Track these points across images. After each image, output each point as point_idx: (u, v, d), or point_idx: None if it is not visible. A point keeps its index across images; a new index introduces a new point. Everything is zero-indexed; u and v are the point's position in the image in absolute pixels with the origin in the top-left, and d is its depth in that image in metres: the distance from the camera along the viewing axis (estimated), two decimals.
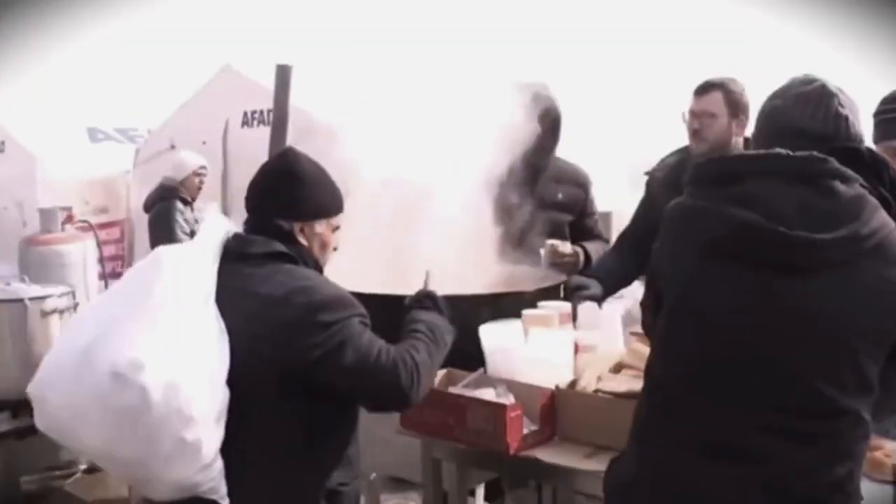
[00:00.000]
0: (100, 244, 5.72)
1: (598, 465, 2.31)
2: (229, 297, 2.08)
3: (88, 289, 5.08)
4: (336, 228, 2.36)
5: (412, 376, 2.15)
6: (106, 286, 5.92)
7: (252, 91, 7.41)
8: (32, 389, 2.06)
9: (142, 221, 7.82)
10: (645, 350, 2.58)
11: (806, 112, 1.87)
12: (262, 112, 7.36)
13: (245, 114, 7.49)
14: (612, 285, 3.26)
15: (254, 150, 7.05)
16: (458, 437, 2.50)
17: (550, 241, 3.39)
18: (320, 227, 2.31)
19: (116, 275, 8.14)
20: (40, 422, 2.06)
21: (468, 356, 2.66)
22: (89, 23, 9.80)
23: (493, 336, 2.68)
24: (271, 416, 2.11)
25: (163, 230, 6.12)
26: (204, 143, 7.42)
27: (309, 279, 2.20)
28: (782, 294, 1.71)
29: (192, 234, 6.18)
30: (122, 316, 1.97)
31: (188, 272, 2.07)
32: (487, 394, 2.51)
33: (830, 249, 1.68)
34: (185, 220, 6.20)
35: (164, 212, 6.19)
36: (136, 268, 2.16)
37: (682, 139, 3.35)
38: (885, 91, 2.73)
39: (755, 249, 1.71)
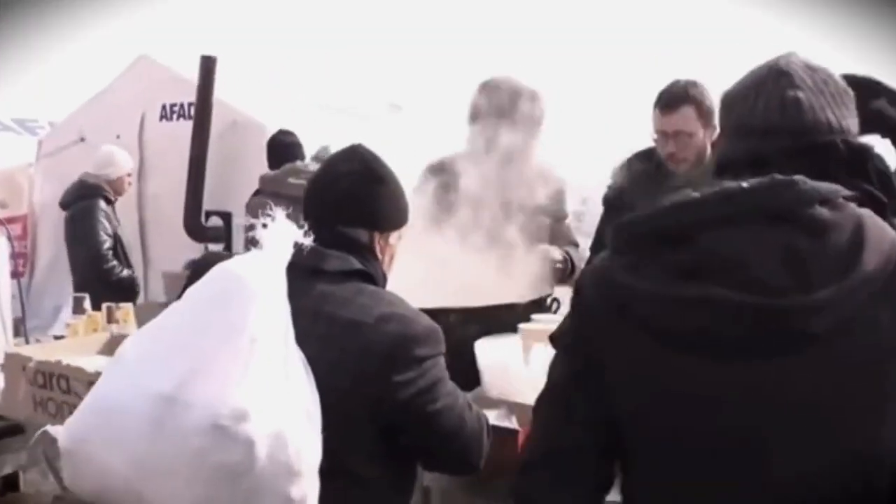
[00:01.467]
0: (12, 240, 5.27)
1: (614, 495, 2.13)
2: (300, 320, 1.75)
3: (0, 291, 4.66)
4: (400, 238, 2.11)
5: (488, 439, 1.98)
6: (20, 287, 5.47)
7: (171, 83, 7.05)
8: (71, 443, 1.69)
9: (45, 217, 7.35)
10: None
11: (752, 103, 1.45)
12: (182, 105, 6.99)
13: (164, 106, 7.09)
14: None
15: (173, 145, 6.72)
16: None
17: (543, 247, 3.17)
18: (394, 237, 2.06)
19: (18, 274, 7.60)
20: (79, 483, 1.71)
21: (456, 372, 2.44)
22: None
23: (490, 352, 2.47)
24: (348, 460, 1.83)
25: (85, 230, 5.71)
26: (118, 136, 6.99)
27: (395, 304, 1.93)
28: (782, 382, 1.28)
29: (114, 235, 5.77)
30: (212, 355, 1.63)
31: (277, 298, 1.73)
32: (489, 416, 2.29)
33: (833, 309, 1.25)
34: (109, 221, 5.78)
35: (87, 211, 5.75)
36: (208, 292, 1.75)
37: None
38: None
39: (735, 334, 1.28)
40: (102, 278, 5.53)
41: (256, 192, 5.39)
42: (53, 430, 1.78)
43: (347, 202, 1.99)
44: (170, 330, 1.75)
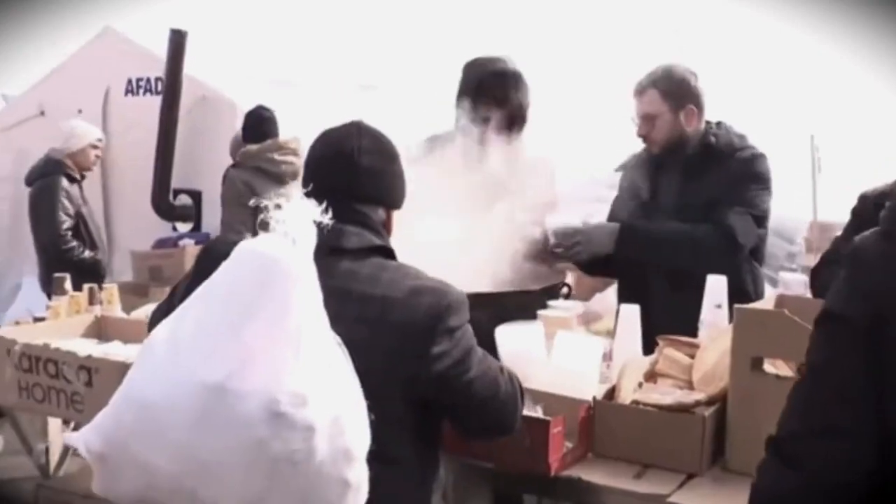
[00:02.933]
0: None
1: (652, 486, 2.11)
2: (330, 301, 1.66)
3: None
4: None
5: (522, 401, 1.94)
6: None
7: (137, 56, 6.84)
8: (105, 446, 1.57)
9: (2, 194, 7.10)
10: (680, 357, 2.40)
11: None
12: (148, 80, 6.79)
13: (129, 81, 6.88)
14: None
15: (139, 121, 6.53)
16: (480, 453, 2.23)
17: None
18: (397, 215, 2.02)
19: None
20: (115, 488, 1.59)
21: None
22: None
23: (512, 339, 2.41)
24: (383, 440, 1.74)
25: (45, 209, 5.46)
26: (80, 111, 6.77)
27: (422, 277, 1.89)
28: None
29: (77, 214, 5.57)
30: (261, 341, 1.54)
31: (312, 279, 1.63)
32: None
33: None
34: (70, 200, 5.53)
35: (47, 189, 5.48)
36: (243, 275, 1.62)
37: None
38: (883, 90, 2.64)
39: None
40: (62, 260, 5.25)
41: (234, 165, 5.29)
42: (68, 436, 1.67)
43: (367, 179, 1.94)
44: (204, 318, 1.62)
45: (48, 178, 5.52)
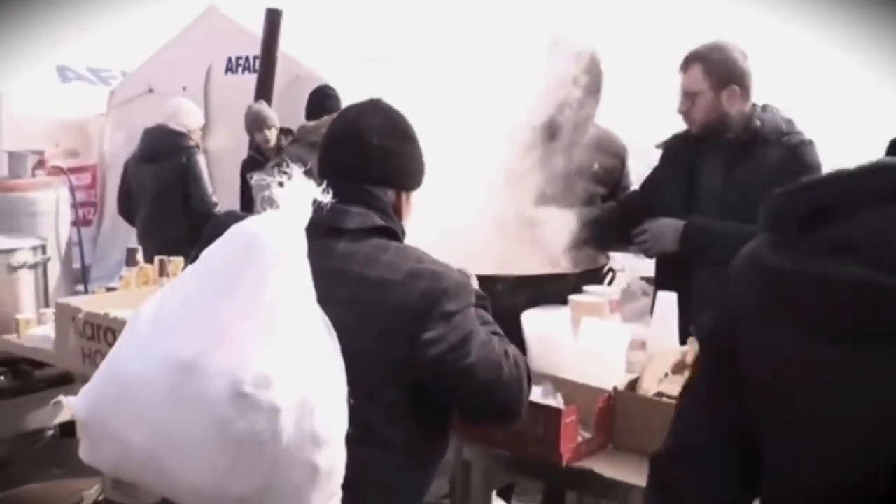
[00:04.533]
0: (73, 190, 5.29)
1: None
2: (323, 281, 1.63)
3: (60, 241, 4.69)
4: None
5: (528, 385, 1.88)
6: (79, 235, 5.48)
7: (238, 35, 7.01)
8: (86, 414, 1.60)
9: (115, 167, 7.39)
10: None
11: None
12: (247, 58, 6.95)
13: (229, 59, 7.06)
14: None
15: (237, 98, 6.66)
16: (497, 441, 2.19)
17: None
18: (414, 196, 1.97)
19: (87, 222, 7.71)
20: (95, 457, 1.62)
21: None
22: None
23: (538, 324, 2.36)
24: (375, 423, 1.75)
25: (199, 179, 5.47)
26: (184, 88, 6.98)
27: (424, 259, 1.83)
28: None
29: None
30: (232, 320, 1.53)
31: (297, 259, 1.60)
32: (533, 392, 2.19)
33: None
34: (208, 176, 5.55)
35: (197, 160, 5.47)
36: (225, 253, 1.62)
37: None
38: (882, 90, 2.45)
39: (882, 319, 1.17)
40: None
41: (293, 141, 5.32)
42: (66, 400, 1.71)
43: (376, 159, 1.89)
44: (186, 294, 1.63)
45: (190, 149, 5.48)
